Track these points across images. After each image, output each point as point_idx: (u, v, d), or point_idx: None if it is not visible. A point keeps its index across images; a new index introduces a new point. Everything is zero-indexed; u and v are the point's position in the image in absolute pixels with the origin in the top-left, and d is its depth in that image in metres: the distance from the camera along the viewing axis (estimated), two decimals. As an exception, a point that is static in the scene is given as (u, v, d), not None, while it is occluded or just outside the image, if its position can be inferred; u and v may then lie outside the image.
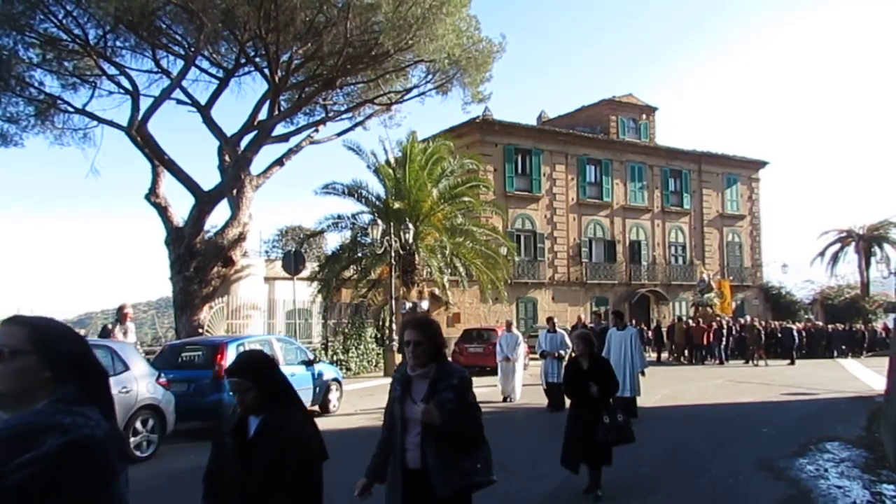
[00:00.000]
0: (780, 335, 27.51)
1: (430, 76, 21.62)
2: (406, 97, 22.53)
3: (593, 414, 6.03)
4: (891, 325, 32.84)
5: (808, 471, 7.45)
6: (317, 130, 22.29)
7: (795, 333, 26.34)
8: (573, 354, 6.84)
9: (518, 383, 13.72)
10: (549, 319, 14.13)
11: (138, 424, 8.06)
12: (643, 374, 10.85)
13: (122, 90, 18.61)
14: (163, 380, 8.61)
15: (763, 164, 41.06)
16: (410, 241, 20.49)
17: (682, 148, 37.72)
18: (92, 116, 18.66)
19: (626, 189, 35.42)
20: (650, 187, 36.29)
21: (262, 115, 20.18)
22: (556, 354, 12.36)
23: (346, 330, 20.67)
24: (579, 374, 6.29)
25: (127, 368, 8.05)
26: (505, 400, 13.48)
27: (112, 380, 7.72)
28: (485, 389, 14.24)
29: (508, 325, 14.67)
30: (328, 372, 12.55)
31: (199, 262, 18.59)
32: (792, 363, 24.61)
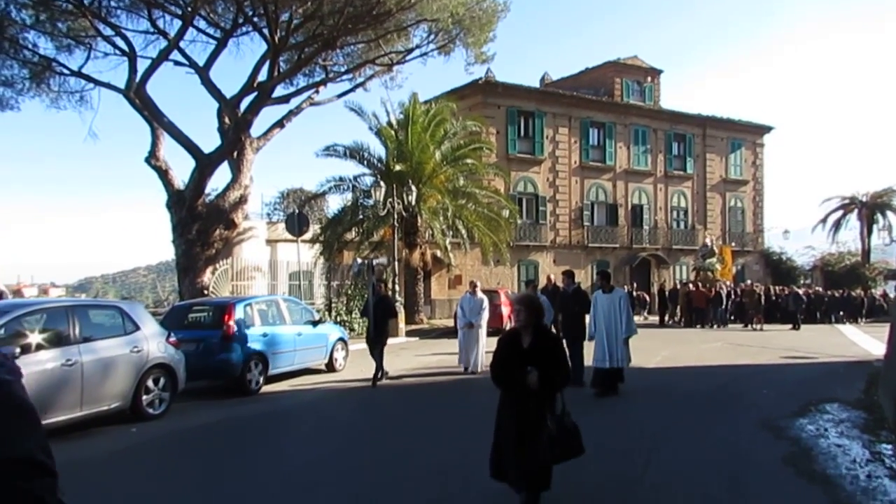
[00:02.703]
0: (779, 300, 27.62)
1: (432, 36, 21.25)
2: (408, 58, 22.17)
3: (531, 412, 4.27)
4: (890, 293, 33.06)
5: (809, 430, 7.57)
6: (317, 92, 22.01)
7: (804, 296, 26.38)
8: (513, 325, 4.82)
9: (481, 351, 12.15)
10: (529, 283, 13.37)
11: (150, 383, 8.16)
12: (626, 342, 9.67)
13: (118, 52, 18.31)
14: (173, 339, 8.68)
15: (768, 129, 40.75)
16: (413, 203, 20.44)
17: (687, 112, 37.40)
18: (88, 79, 18.40)
19: (629, 152, 35.21)
20: (653, 151, 36.07)
21: (262, 76, 19.91)
22: None
23: (349, 291, 20.77)
24: (517, 353, 4.41)
25: (137, 328, 8.10)
26: (466, 371, 12.13)
27: (123, 339, 7.85)
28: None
29: (473, 286, 12.80)
30: (334, 332, 12.68)
31: (201, 224, 18.56)
32: (796, 328, 24.65)
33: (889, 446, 6.84)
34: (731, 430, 7.54)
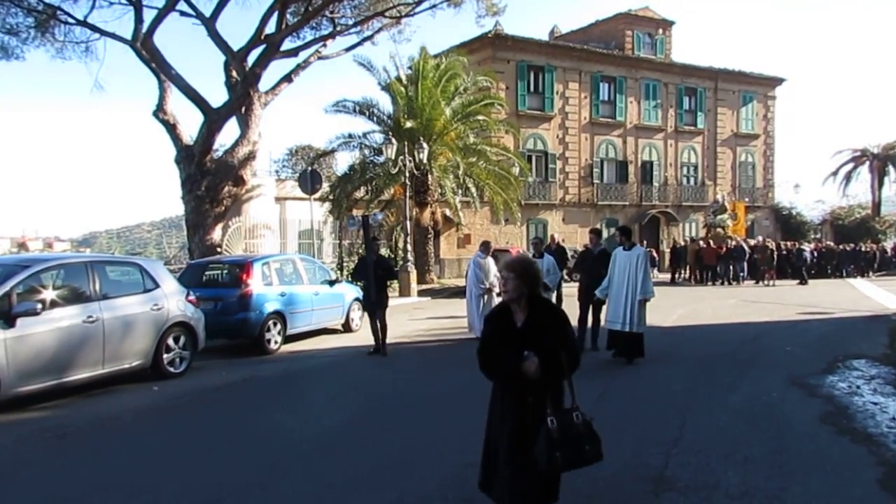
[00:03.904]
0: (790, 255, 27.44)
1: (442, -14, 20.63)
2: (417, 9, 21.50)
3: (530, 409, 3.37)
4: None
5: (841, 388, 7.46)
6: (324, 45, 21.47)
7: (808, 255, 26.29)
8: (501, 297, 3.87)
9: None
10: (536, 241, 11.65)
11: (170, 341, 8.06)
12: (644, 302, 8.97)
13: (123, 1, 17.81)
14: (192, 297, 8.55)
15: (780, 80, 39.91)
16: (424, 160, 20.10)
17: (699, 65, 36.58)
18: (94, 28, 17.92)
19: (639, 108, 34.57)
20: (664, 106, 35.42)
21: (269, 28, 19.39)
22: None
23: (360, 251, 20.60)
24: (511, 333, 3.47)
25: (157, 286, 7.96)
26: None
27: (143, 296, 7.73)
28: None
29: (487, 246, 11.58)
30: (350, 292, 12.51)
31: (209, 181, 18.30)
32: (803, 283, 24.65)
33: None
34: (761, 389, 7.43)
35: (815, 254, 28.54)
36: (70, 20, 17.83)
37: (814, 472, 4.78)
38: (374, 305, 9.96)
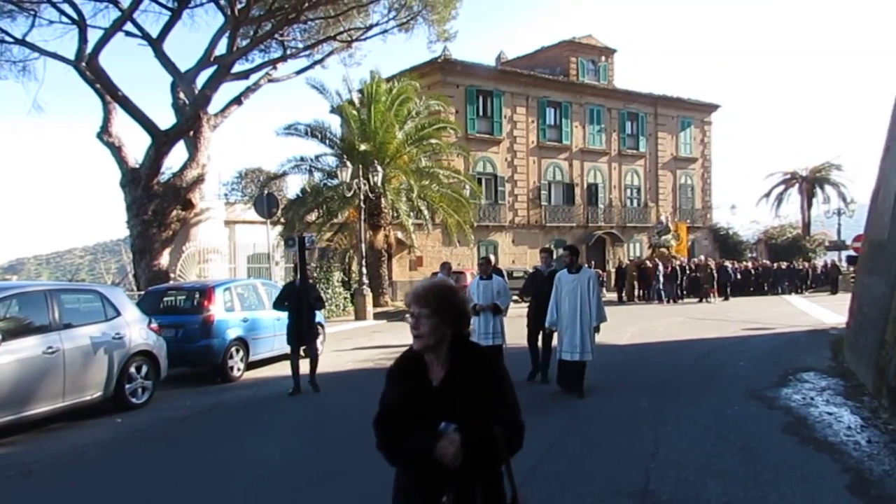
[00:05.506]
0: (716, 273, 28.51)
1: (393, 13, 20.98)
2: (368, 34, 21.80)
3: (448, 496, 2.18)
4: (829, 263, 34.64)
5: (796, 400, 7.82)
6: (275, 68, 21.41)
7: (731, 271, 27.66)
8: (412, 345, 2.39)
9: None
10: (485, 261, 10.05)
11: (133, 371, 7.79)
12: (598, 329, 8.28)
13: (65, 20, 17.34)
14: (154, 325, 8.30)
15: (715, 107, 41.80)
16: (379, 183, 20.13)
17: (640, 91, 37.97)
18: (33, 48, 17.42)
19: (584, 132, 35.58)
20: (608, 130, 36.56)
21: (218, 51, 19.21)
22: (492, 307, 8.94)
23: (315, 275, 20.38)
24: (424, 396, 2.28)
25: (118, 314, 7.70)
26: None
27: (105, 325, 7.49)
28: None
29: (448, 267, 11.59)
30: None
31: (157, 205, 17.88)
32: (726, 299, 26.42)
33: (884, 414, 7.10)
34: (723, 403, 7.71)
35: (751, 273, 29.89)
36: (7, 39, 17.29)
37: (786, 480, 5.00)
38: (305, 337, 8.98)
